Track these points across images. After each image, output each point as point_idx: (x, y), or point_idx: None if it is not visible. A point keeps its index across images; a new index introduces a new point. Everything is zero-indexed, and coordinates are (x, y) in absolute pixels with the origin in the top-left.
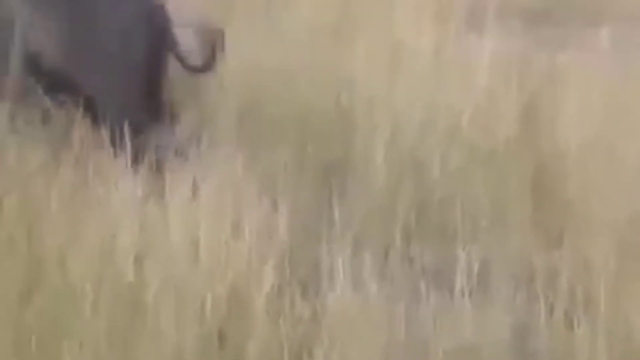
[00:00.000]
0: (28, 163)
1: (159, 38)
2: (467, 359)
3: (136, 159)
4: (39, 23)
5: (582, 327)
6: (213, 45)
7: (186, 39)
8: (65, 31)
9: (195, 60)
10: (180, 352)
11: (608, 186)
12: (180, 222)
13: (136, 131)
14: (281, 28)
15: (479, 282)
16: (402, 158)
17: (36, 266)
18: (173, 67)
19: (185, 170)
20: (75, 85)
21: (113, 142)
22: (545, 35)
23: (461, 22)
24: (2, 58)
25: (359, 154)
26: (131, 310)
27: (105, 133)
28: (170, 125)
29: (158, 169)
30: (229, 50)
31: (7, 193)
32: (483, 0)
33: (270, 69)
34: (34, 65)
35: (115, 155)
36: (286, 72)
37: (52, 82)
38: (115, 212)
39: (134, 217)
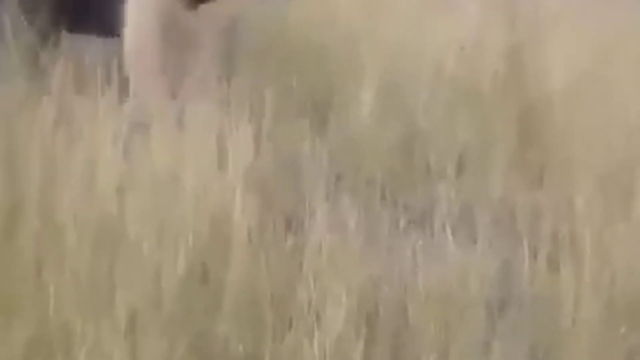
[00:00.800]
0: (8, 99)
1: None
2: (448, 297)
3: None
4: None
5: (566, 269)
6: None
7: None
8: None
9: None
10: (163, 284)
11: (593, 128)
12: (164, 154)
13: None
14: None
15: (461, 222)
16: (387, 96)
17: (18, 202)
18: None
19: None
20: None
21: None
22: None
23: None
24: None
25: (343, 91)
26: (113, 243)
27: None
28: None
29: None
30: None
31: None
32: None
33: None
34: None
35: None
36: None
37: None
38: (98, 145)
39: (118, 149)
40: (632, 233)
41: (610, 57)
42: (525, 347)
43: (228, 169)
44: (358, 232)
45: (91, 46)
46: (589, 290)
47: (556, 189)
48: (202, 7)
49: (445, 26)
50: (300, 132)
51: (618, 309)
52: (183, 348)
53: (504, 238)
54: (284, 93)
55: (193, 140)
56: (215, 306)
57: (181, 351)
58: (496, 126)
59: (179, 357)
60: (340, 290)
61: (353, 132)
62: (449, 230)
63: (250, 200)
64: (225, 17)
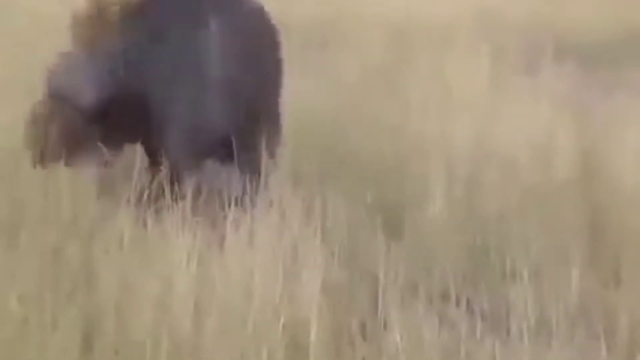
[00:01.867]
0: (88, 213)
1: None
2: None
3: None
4: None
5: None
6: None
7: None
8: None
9: None
10: None
11: None
12: (237, 271)
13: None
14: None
15: (537, 326)
16: (458, 203)
17: (96, 318)
18: None
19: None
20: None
21: (172, 183)
22: (600, 76)
23: (517, 63)
24: None
25: (414, 199)
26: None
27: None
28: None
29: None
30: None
31: (67, 243)
32: (538, 41)
33: (323, 111)
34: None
35: (173, 197)
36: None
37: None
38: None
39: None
40: None
41: None
42: None
43: (302, 280)
44: (434, 340)
45: None
46: None
47: (631, 289)
48: None
49: (514, 128)
50: (372, 241)
51: None
52: None
53: (581, 340)
54: (355, 202)
55: (265, 253)
56: None
57: None
58: (569, 228)
59: None
60: None
61: (426, 240)
62: (525, 335)
63: (325, 312)
64: None
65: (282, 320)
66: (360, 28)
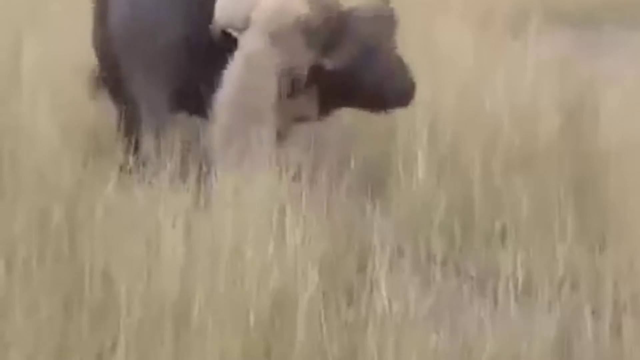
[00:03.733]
0: (73, 175)
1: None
2: None
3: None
4: None
5: (629, 333)
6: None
7: None
8: None
9: None
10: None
11: None
12: (224, 231)
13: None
14: None
15: (523, 288)
16: (443, 164)
17: (80, 279)
18: None
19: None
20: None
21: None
22: (587, 39)
23: (503, 28)
24: None
25: (399, 160)
26: (176, 323)
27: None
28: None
29: (204, 177)
30: None
31: (53, 205)
32: (526, 6)
33: None
34: None
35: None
36: None
37: None
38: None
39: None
40: None
41: None
42: None
43: (288, 242)
44: (420, 302)
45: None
46: None
47: (616, 252)
48: None
49: (500, 90)
50: (357, 202)
51: None
52: None
53: (567, 303)
54: (341, 162)
55: (254, 213)
56: None
57: None
58: (554, 189)
59: None
60: None
61: (412, 202)
62: (512, 298)
63: (312, 276)
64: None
65: (269, 284)
66: None
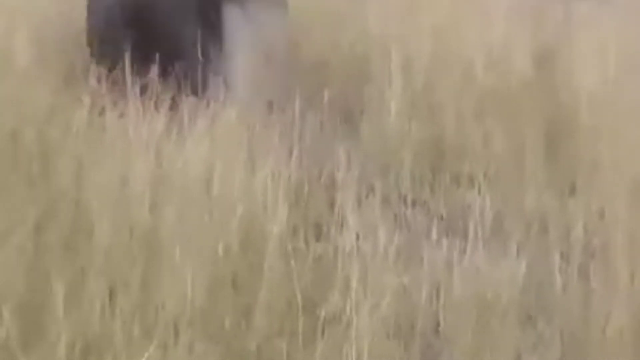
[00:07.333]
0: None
1: None
2: (479, 306)
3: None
4: None
5: (597, 278)
6: None
7: None
8: None
9: None
10: (195, 290)
11: (621, 132)
12: (196, 159)
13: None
14: None
15: (493, 230)
16: (415, 103)
17: (51, 201)
18: None
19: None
20: None
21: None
22: None
23: None
24: None
25: (373, 100)
26: (146, 250)
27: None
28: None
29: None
30: None
31: (24, 128)
32: None
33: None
34: None
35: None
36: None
37: None
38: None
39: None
40: None
41: (636, 60)
42: (556, 357)
43: (259, 174)
44: (390, 240)
45: None
46: (619, 299)
47: (587, 197)
48: None
49: (474, 33)
50: (330, 139)
51: None
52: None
53: (536, 247)
54: (315, 99)
55: (225, 145)
56: (246, 313)
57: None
58: (526, 132)
59: None
60: (373, 298)
61: (384, 141)
62: (480, 239)
63: (281, 206)
64: None
65: (238, 214)
66: None
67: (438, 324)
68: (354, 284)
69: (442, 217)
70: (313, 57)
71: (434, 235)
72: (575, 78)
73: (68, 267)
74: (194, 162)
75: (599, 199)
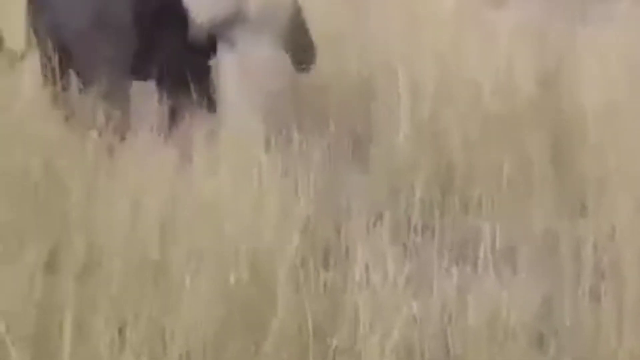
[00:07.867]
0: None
1: None
2: (490, 330)
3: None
4: None
5: (608, 299)
6: None
7: None
8: None
9: None
10: (206, 321)
11: (628, 151)
12: (205, 192)
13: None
14: None
15: (503, 255)
16: (423, 129)
17: (63, 234)
18: None
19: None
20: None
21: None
22: (564, 6)
23: None
24: None
25: (380, 126)
26: (156, 285)
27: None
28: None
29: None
30: None
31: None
32: None
33: None
34: None
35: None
36: None
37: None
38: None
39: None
40: None
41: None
42: None
43: (268, 203)
44: (399, 269)
45: None
46: (630, 320)
47: (596, 217)
48: None
49: (478, 57)
50: (337, 166)
51: None
52: None
53: (546, 269)
54: (321, 126)
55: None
56: (258, 343)
57: None
58: (533, 155)
59: None
60: (382, 327)
61: (392, 168)
62: (491, 264)
63: (290, 235)
64: None
65: (247, 247)
66: None
67: (448, 352)
68: (363, 313)
69: (452, 244)
70: (317, 81)
71: (445, 264)
72: (580, 98)
73: (78, 300)
74: (202, 194)
75: (609, 218)
